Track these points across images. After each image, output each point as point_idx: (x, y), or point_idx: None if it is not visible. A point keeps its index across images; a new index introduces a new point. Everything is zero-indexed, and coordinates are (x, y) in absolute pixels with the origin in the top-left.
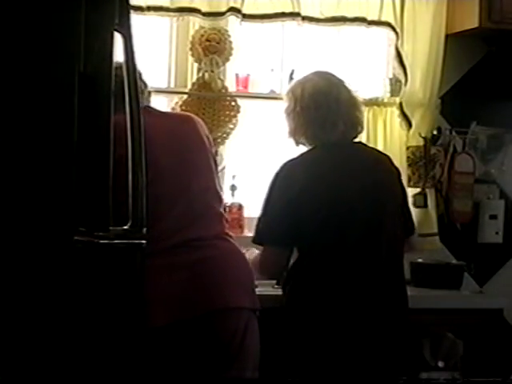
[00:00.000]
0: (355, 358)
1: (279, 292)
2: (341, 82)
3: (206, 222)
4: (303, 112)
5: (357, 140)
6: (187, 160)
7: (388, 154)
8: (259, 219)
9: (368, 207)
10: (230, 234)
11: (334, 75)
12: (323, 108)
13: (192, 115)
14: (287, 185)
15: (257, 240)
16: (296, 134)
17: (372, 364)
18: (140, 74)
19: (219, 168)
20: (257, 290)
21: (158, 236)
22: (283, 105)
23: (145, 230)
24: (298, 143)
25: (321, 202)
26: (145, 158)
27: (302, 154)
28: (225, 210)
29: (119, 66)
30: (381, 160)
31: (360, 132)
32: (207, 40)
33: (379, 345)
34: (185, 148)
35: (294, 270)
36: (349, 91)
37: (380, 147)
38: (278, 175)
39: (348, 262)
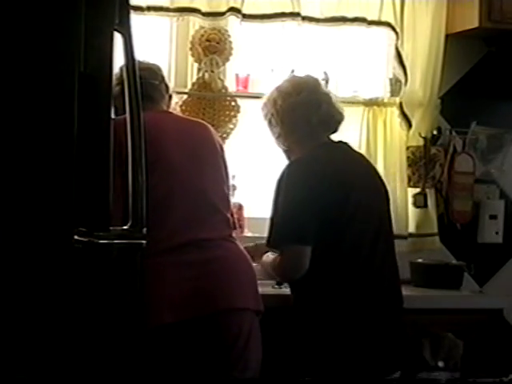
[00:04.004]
0: (360, 358)
1: (279, 292)
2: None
3: (213, 224)
4: (289, 115)
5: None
6: (197, 162)
7: (388, 154)
8: (277, 221)
9: (379, 203)
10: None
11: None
12: (307, 108)
13: (206, 123)
14: (309, 181)
15: (282, 241)
16: (285, 139)
17: (377, 363)
18: (162, 77)
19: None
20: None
21: (166, 234)
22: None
23: (145, 230)
24: (286, 149)
25: (347, 198)
26: (154, 156)
27: (309, 153)
28: (232, 214)
29: (144, 68)
30: (367, 159)
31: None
32: (207, 40)
33: (383, 345)
34: (196, 150)
35: (316, 267)
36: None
37: (380, 147)
38: (291, 174)
39: (368, 254)
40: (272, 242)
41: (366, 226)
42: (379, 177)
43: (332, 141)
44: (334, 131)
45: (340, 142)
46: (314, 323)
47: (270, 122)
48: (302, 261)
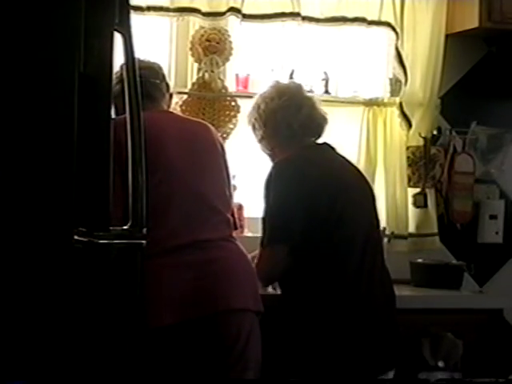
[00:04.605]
0: (353, 357)
1: (279, 292)
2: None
3: (213, 225)
4: (271, 118)
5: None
6: (198, 162)
7: (388, 154)
8: (267, 221)
9: (367, 203)
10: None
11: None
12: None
13: (207, 123)
14: (295, 180)
15: (270, 241)
16: (268, 142)
17: (370, 362)
18: (163, 76)
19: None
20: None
21: (166, 235)
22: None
23: (145, 230)
24: (270, 153)
25: (336, 196)
26: (154, 156)
27: (295, 153)
28: (233, 215)
29: (145, 67)
30: (350, 160)
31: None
32: (207, 40)
33: (376, 343)
34: (197, 151)
35: (306, 268)
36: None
37: (380, 147)
38: (278, 174)
39: (359, 254)
40: (264, 242)
41: (356, 226)
42: (364, 177)
43: (316, 143)
44: (318, 136)
45: (324, 143)
46: (306, 324)
47: (253, 127)
48: (287, 260)
